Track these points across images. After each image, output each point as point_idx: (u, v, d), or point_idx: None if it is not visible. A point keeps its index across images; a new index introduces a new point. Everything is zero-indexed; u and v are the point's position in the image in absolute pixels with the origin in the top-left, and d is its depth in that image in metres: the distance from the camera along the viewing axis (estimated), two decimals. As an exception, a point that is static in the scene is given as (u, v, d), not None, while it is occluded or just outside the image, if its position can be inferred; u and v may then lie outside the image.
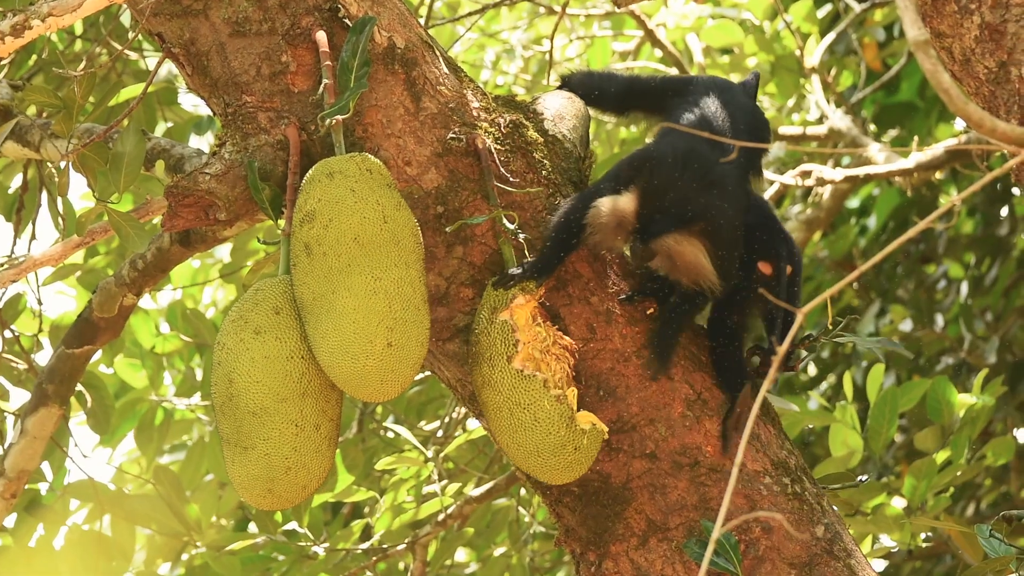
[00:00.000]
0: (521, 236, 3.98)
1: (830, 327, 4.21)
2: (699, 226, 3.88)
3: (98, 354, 6.75)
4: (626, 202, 3.89)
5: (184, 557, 6.64)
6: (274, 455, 3.75)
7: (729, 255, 3.95)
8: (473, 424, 6.46)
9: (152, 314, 7.29)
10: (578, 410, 3.91)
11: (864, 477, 5.08)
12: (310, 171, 3.82)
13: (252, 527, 6.85)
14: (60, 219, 5.42)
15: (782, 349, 2.62)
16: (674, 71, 8.12)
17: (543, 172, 4.07)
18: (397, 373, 3.71)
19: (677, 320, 4.00)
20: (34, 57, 6.24)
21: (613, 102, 4.47)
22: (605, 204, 3.90)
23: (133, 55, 6.72)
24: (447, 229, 3.97)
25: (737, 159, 4.03)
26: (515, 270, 3.91)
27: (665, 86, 4.37)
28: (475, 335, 3.91)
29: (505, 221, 3.96)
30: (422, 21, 5.46)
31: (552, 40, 5.63)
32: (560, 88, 4.45)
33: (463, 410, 6.59)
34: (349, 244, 3.72)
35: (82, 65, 4.78)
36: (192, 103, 7.60)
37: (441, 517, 6.07)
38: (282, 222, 3.90)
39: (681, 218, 3.87)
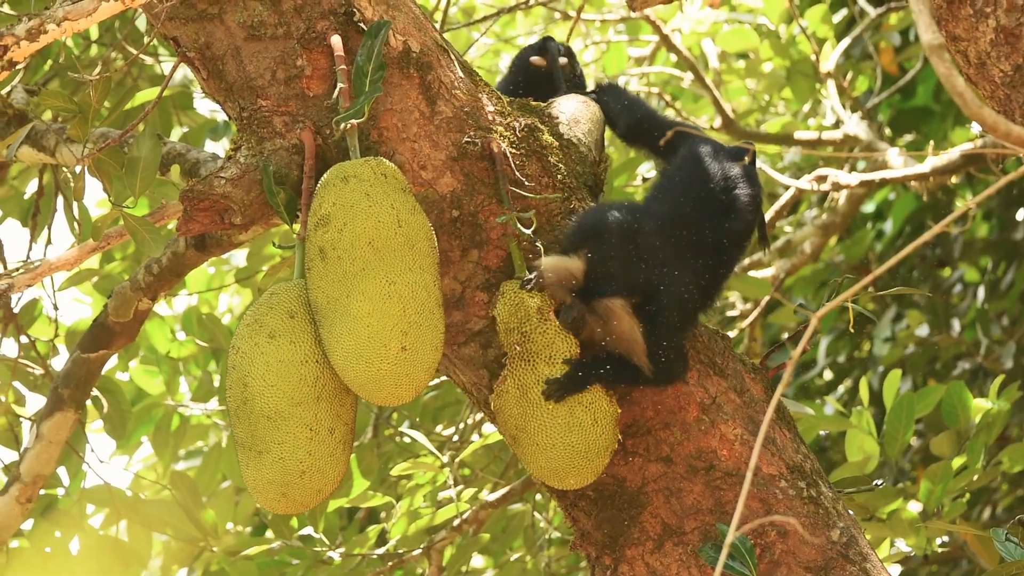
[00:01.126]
0: (537, 242, 3.96)
1: (851, 330, 4.19)
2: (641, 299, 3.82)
3: (114, 360, 6.77)
4: (574, 264, 3.82)
5: (200, 563, 6.65)
6: (288, 459, 3.74)
7: (665, 340, 3.87)
8: (489, 429, 6.46)
9: (168, 319, 7.30)
10: None
11: (880, 482, 5.06)
12: (325, 175, 3.81)
13: (268, 533, 6.86)
14: (76, 224, 5.44)
15: (796, 352, 2.61)
16: (690, 76, 8.12)
17: (558, 176, 4.07)
18: (411, 377, 3.71)
19: (589, 373, 3.87)
20: (49, 62, 6.25)
21: (622, 128, 4.43)
22: (550, 261, 3.84)
23: (148, 59, 6.73)
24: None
25: (707, 243, 3.98)
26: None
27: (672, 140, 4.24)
28: (518, 334, 3.87)
29: (520, 226, 3.94)
30: (437, 25, 5.47)
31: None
32: (589, 94, 4.43)
33: (479, 415, 6.58)
34: (364, 248, 3.71)
35: (97, 69, 4.78)
36: (207, 107, 7.63)
37: (457, 522, 6.07)
38: (297, 226, 3.90)
39: (628, 287, 3.81)
